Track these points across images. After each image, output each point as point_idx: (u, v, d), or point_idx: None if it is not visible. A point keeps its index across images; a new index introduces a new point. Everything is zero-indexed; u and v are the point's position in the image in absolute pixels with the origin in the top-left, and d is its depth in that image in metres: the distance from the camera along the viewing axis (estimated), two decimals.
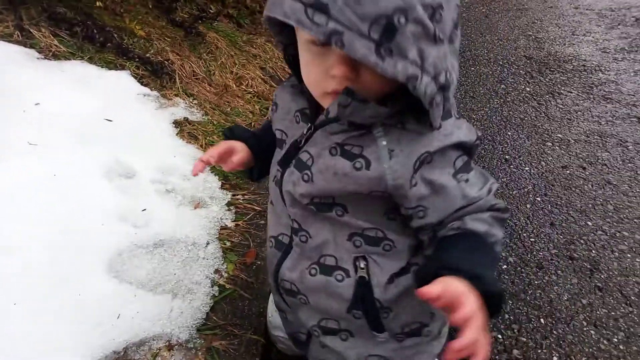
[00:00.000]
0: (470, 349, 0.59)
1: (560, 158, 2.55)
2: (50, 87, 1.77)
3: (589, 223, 2.06)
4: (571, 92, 3.28)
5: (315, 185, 0.79)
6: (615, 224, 2.05)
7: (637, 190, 2.28)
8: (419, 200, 0.74)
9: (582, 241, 1.95)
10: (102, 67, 2.06)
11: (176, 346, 1.12)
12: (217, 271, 1.36)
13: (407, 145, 0.73)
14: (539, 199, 2.22)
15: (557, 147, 2.65)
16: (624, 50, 3.91)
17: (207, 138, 1.97)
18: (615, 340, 1.53)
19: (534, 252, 1.89)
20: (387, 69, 0.62)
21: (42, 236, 1.24)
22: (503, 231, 0.77)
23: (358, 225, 0.82)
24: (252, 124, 2.30)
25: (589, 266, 1.82)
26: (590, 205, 2.17)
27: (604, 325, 1.58)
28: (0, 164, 1.38)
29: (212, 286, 1.31)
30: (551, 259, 1.86)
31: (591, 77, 3.49)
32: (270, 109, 1.02)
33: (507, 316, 1.61)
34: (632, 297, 1.68)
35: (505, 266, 1.82)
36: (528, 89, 3.36)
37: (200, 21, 2.80)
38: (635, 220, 2.07)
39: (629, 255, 1.87)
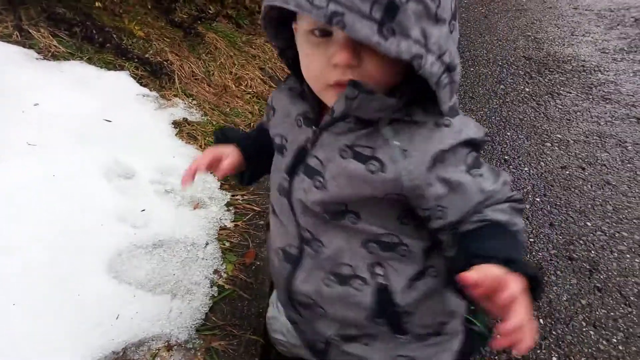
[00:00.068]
0: (519, 333, 0.55)
1: (559, 158, 2.55)
2: (50, 88, 1.77)
3: (588, 223, 2.06)
4: (570, 93, 3.29)
5: (329, 191, 0.77)
6: (614, 224, 2.05)
7: (636, 190, 2.28)
8: (437, 200, 0.73)
9: (581, 241, 1.95)
10: (101, 68, 2.06)
11: (175, 346, 1.12)
12: (216, 271, 1.36)
13: (420, 144, 0.71)
14: (538, 199, 2.23)
15: (556, 148, 2.65)
16: (623, 50, 3.92)
17: (207, 138, 1.97)
18: (615, 340, 1.53)
19: (533, 253, 1.89)
20: (391, 49, 0.60)
21: (41, 236, 1.24)
22: (522, 221, 0.76)
23: (372, 231, 0.80)
24: (251, 124, 2.30)
25: (588, 266, 1.82)
26: (589, 205, 2.17)
27: (603, 325, 1.58)
28: None
29: (211, 286, 1.31)
30: (550, 260, 1.86)
31: (590, 78, 3.49)
32: (265, 112, 1.00)
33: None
34: (631, 298, 1.68)
35: None
36: (527, 89, 3.36)
37: (199, 22, 2.80)
38: (634, 220, 2.07)
39: (628, 256, 1.88)
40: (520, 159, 2.55)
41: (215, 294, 1.30)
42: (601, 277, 1.77)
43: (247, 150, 0.97)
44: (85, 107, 1.77)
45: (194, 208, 1.57)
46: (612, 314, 1.62)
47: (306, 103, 0.82)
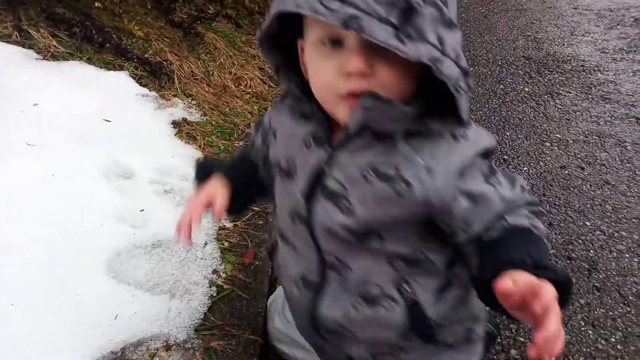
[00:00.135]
0: (555, 341, 0.52)
1: (558, 158, 2.55)
2: (49, 88, 1.77)
3: (587, 223, 2.06)
4: (570, 93, 3.29)
5: (357, 215, 0.74)
6: (613, 224, 2.05)
7: (636, 190, 2.28)
8: (462, 213, 0.71)
9: (580, 241, 1.96)
10: (100, 68, 2.06)
11: (174, 346, 1.12)
12: (215, 271, 1.36)
13: (442, 159, 0.69)
14: (537, 199, 2.22)
15: (555, 148, 2.65)
16: (622, 50, 3.92)
17: (206, 138, 1.98)
18: (613, 340, 1.53)
19: None
20: (409, 52, 0.58)
21: (41, 236, 1.25)
22: (542, 224, 0.74)
23: (397, 250, 0.78)
24: (251, 124, 2.30)
25: (587, 266, 1.82)
26: (588, 205, 2.18)
27: (602, 325, 1.58)
28: None
29: (210, 286, 1.31)
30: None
31: (590, 78, 3.49)
32: (257, 134, 0.96)
33: (504, 316, 1.61)
34: (630, 297, 1.68)
35: None
36: (527, 89, 3.36)
37: (199, 22, 2.80)
38: (633, 220, 2.07)
39: (627, 255, 1.88)
40: (520, 158, 2.55)
41: (214, 294, 1.30)
42: (600, 276, 1.77)
43: (236, 183, 0.93)
44: (85, 107, 1.77)
45: None
46: (610, 313, 1.62)
47: (312, 122, 0.79)
